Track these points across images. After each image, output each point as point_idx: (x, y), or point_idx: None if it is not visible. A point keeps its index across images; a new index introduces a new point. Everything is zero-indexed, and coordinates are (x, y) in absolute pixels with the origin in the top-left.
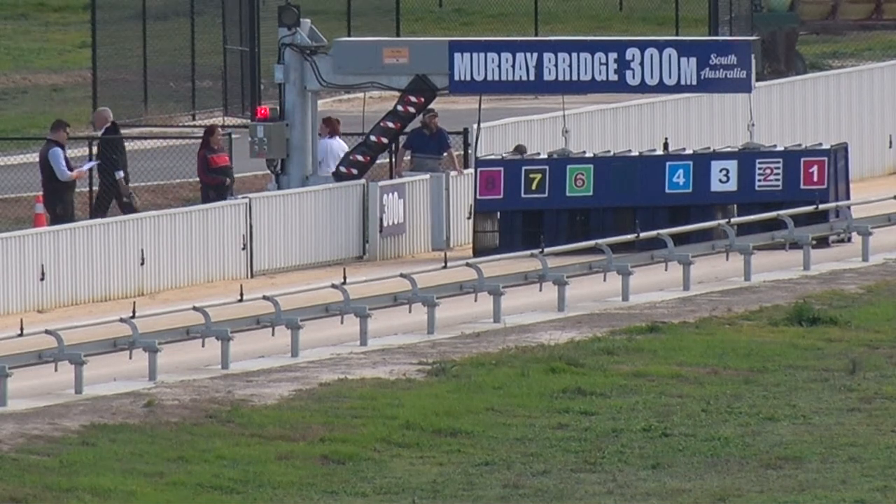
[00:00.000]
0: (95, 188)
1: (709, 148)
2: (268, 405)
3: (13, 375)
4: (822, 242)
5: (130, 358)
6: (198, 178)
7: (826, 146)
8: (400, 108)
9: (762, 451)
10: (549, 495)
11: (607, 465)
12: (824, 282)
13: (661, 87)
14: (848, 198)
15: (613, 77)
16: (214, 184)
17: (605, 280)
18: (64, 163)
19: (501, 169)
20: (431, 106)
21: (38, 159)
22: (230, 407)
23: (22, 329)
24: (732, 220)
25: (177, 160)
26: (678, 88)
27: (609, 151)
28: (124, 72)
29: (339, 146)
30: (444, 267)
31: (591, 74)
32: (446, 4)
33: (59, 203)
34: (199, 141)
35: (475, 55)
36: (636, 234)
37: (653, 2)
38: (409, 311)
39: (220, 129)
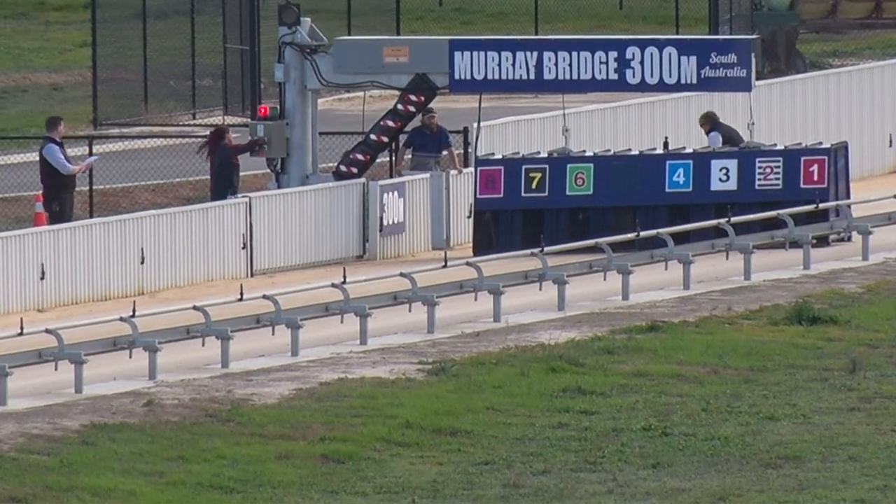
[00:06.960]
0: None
1: (709, 147)
2: (268, 404)
3: (13, 375)
4: (822, 241)
5: (130, 357)
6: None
7: (826, 145)
8: (400, 106)
9: (762, 451)
10: (549, 495)
11: (607, 465)
12: (824, 281)
13: (662, 86)
14: (848, 197)
15: (613, 76)
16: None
17: (605, 279)
18: (62, 157)
19: (501, 168)
20: (431, 105)
21: (37, 158)
22: (230, 406)
23: (22, 328)
24: (732, 219)
25: (177, 159)
26: (678, 87)
27: (609, 150)
28: (124, 71)
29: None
30: (444, 266)
31: (591, 73)
32: (446, 3)
33: (55, 200)
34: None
35: (475, 54)
36: (636, 233)
37: (653, 1)
38: (409, 311)
39: (230, 129)
